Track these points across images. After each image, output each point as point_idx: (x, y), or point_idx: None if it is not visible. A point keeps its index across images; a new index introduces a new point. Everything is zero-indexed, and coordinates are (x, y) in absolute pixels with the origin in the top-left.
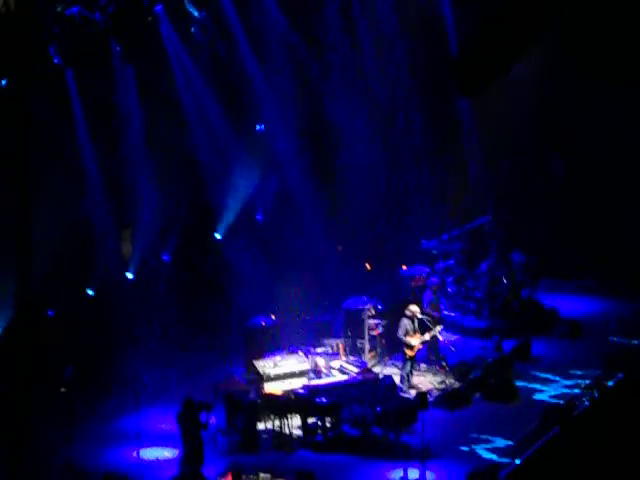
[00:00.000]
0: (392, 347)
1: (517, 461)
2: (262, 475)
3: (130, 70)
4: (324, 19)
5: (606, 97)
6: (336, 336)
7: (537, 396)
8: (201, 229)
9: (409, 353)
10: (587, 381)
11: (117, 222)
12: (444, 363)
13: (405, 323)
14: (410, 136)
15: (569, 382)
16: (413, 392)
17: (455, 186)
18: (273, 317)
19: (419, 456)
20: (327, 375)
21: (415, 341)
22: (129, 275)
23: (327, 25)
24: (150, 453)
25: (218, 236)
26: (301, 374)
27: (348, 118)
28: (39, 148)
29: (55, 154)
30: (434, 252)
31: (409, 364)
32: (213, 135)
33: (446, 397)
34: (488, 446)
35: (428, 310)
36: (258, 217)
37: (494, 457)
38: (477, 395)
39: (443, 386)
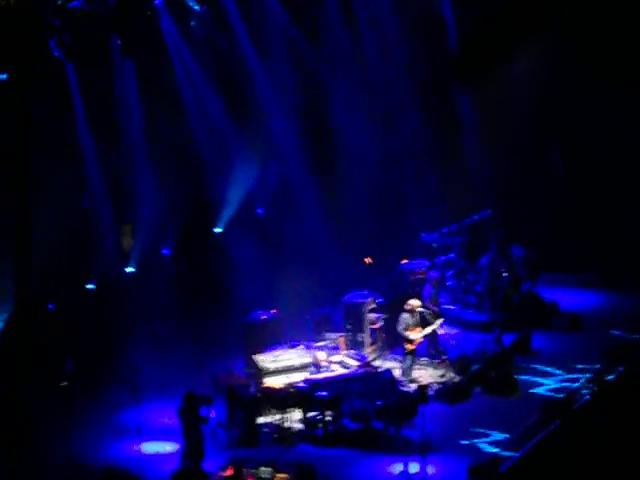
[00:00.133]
0: (392, 341)
1: (517, 455)
2: (263, 469)
3: (130, 64)
4: (324, 13)
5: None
6: (336, 330)
7: (537, 390)
8: (201, 223)
9: (409, 347)
10: (587, 375)
11: (117, 216)
12: (444, 357)
13: (405, 317)
14: (410, 130)
15: (569, 376)
16: (413, 386)
17: (455, 180)
18: (273, 311)
19: (419, 450)
20: (327, 369)
21: (415, 335)
22: (130, 269)
23: (327, 19)
24: (151, 447)
25: (218, 230)
26: (301, 368)
27: (348, 112)
28: (39, 142)
29: (55, 148)
30: (434, 246)
31: (409, 358)
32: (213, 129)
33: (446, 391)
34: (488, 440)
35: (428, 304)
36: (258, 211)
37: (495, 451)
38: (477, 389)
39: (443, 380)
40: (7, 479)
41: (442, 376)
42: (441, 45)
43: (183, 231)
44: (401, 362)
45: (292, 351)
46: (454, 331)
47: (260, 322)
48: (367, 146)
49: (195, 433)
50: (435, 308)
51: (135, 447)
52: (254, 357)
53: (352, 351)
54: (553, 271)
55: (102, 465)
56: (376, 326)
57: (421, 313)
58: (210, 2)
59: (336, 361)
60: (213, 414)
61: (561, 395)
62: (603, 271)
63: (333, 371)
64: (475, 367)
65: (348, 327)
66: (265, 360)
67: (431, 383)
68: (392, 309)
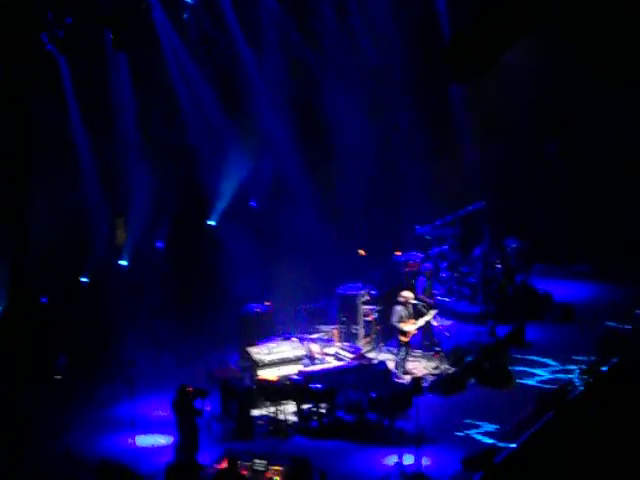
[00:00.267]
0: (386, 333)
1: (512, 445)
2: (257, 461)
3: (123, 57)
4: (318, 6)
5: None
6: (331, 322)
7: (532, 381)
8: (195, 216)
9: (403, 339)
10: (582, 366)
11: (111, 209)
12: (438, 349)
13: (398, 310)
14: (404, 123)
15: (563, 367)
16: (408, 378)
17: (448, 172)
18: (267, 304)
19: (414, 441)
20: (322, 361)
21: (409, 327)
22: (123, 262)
23: (321, 12)
24: (145, 440)
25: (212, 223)
26: (296, 360)
27: (342, 105)
28: (33, 136)
29: (49, 141)
30: (428, 238)
31: (404, 350)
32: (207, 122)
33: (441, 382)
34: (483, 431)
35: (422, 296)
36: (252, 203)
37: (489, 442)
38: (472, 380)
39: (438, 371)
40: (1, 473)
41: (436, 368)
42: (435, 35)
43: (176, 224)
44: (395, 354)
45: (286, 343)
46: (448, 323)
47: (254, 315)
48: (361, 139)
49: (190, 426)
50: (429, 300)
51: (130, 440)
52: (248, 350)
53: (346, 343)
54: (547, 262)
55: (97, 458)
56: (370, 318)
57: (415, 305)
58: None
59: (330, 353)
60: (208, 407)
61: (555, 386)
62: (598, 262)
63: (327, 363)
64: (469, 359)
65: (342, 319)
66: (259, 352)
67: (425, 375)
68: (386, 301)
